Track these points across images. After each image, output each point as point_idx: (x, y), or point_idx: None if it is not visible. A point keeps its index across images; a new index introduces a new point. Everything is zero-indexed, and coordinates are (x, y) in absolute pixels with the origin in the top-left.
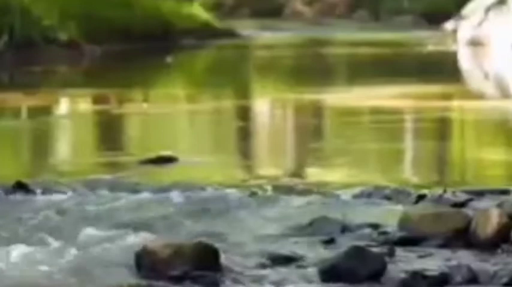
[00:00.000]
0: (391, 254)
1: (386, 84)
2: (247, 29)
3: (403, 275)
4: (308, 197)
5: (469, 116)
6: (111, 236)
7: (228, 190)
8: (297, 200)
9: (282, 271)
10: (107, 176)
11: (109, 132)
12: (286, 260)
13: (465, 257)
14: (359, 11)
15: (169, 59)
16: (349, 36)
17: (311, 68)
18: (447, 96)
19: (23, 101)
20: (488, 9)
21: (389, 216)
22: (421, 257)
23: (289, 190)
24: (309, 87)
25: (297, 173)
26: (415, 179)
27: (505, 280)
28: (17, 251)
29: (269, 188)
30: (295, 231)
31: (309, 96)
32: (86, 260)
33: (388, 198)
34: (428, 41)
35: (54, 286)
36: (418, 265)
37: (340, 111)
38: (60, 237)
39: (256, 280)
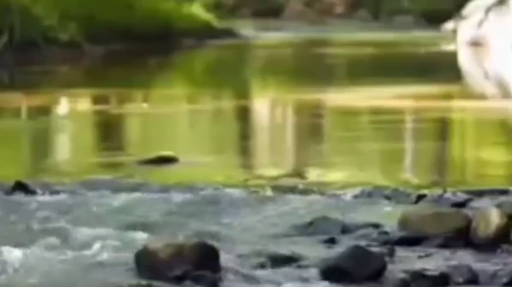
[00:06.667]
0: (391, 254)
1: (387, 84)
2: (247, 29)
3: (403, 275)
4: (308, 197)
5: (469, 116)
6: (111, 236)
7: (228, 190)
8: (297, 200)
9: (282, 271)
10: (107, 176)
11: (109, 132)
12: (286, 260)
13: (465, 257)
14: (359, 11)
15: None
16: (349, 36)
17: (311, 68)
18: (447, 96)
19: (23, 101)
20: (488, 9)
21: (390, 216)
22: (421, 257)
23: (289, 190)
24: (309, 87)
25: (297, 173)
26: (415, 179)
27: (505, 280)
28: (17, 251)
29: (269, 188)
30: (295, 231)
31: (309, 96)
32: (86, 260)
33: (388, 198)
34: (428, 41)
35: (54, 286)
36: (418, 265)
37: (340, 111)
38: (60, 237)
39: (256, 280)
